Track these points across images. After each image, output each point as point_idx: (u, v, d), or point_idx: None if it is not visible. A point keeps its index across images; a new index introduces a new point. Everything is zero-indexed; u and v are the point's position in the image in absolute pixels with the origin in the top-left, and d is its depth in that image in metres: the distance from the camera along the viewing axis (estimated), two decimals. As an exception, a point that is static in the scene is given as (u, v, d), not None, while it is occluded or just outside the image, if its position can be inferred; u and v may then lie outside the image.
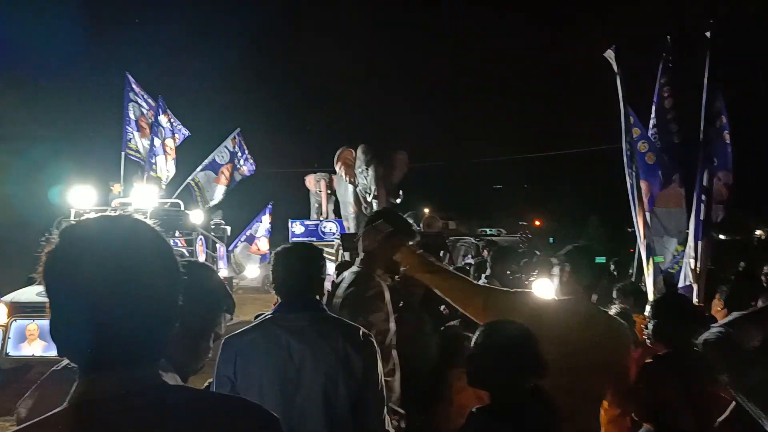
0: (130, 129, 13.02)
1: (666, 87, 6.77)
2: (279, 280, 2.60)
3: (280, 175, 26.45)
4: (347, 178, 14.72)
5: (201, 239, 12.02)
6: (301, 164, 22.17)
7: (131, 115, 13.09)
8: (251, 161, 14.99)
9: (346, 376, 2.36)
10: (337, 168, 15.15)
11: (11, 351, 8.35)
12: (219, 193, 14.34)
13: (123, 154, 12.76)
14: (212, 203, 14.18)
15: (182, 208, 12.29)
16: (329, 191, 18.19)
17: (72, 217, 10.45)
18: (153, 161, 13.16)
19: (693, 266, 5.06)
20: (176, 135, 14.13)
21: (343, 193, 15.43)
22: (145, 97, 13.48)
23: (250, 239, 15.50)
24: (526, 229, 32.88)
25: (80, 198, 10.60)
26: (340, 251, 11.12)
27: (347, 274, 3.30)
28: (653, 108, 6.77)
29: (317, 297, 2.60)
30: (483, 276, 5.86)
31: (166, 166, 13.57)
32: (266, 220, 15.91)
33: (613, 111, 5.55)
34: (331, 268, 11.35)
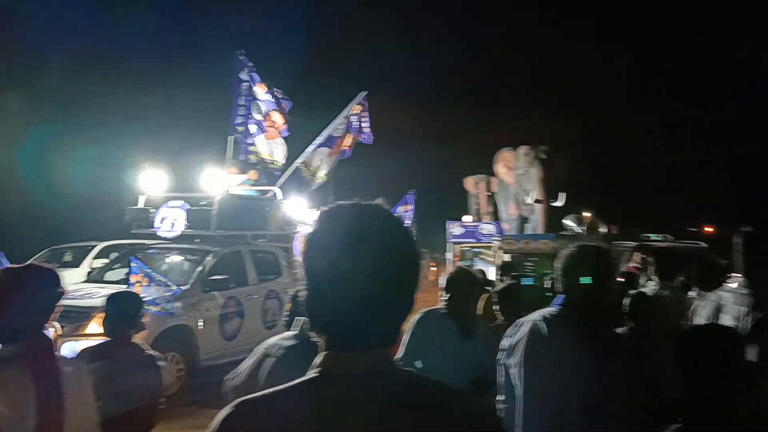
0: (241, 113, 11.83)
1: None
2: (571, 282, 2.63)
3: (441, 177, 26.75)
4: (507, 180, 14.68)
5: None
6: (460, 166, 22.29)
7: (243, 100, 11.85)
8: (369, 131, 12.97)
9: (605, 379, 2.45)
10: (496, 169, 15.15)
11: None
12: (334, 164, 12.50)
13: (230, 138, 11.69)
14: (327, 177, 12.39)
15: (280, 197, 10.99)
16: (488, 193, 18.20)
17: (141, 204, 9.81)
18: (250, 141, 11.81)
19: None
20: (283, 104, 12.25)
21: (503, 195, 15.39)
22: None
23: None
24: (696, 236, 30.85)
25: (151, 183, 9.86)
26: (499, 253, 11.10)
27: (728, 295, 3.15)
28: None
29: (601, 305, 2.63)
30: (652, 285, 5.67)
31: (270, 146, 11.90)
32: (402, 210, 14.73)
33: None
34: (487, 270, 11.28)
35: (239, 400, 1.23)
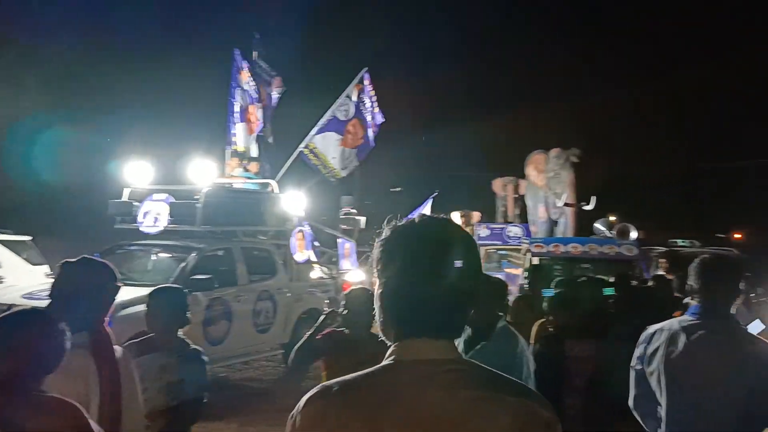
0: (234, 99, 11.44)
1: None
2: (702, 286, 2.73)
3: (468, 179, 26.72)
4: (537, 183, 14.71)
5: (303, 232, 9.70)
6: (488, 168, 22.26)
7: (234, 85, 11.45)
8: (378, 111, 11.95)
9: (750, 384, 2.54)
10: (527, 172, 15.17)
11: None
12: (351, 159, 11.65)
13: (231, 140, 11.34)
14: (344, 172, 11.64)
15: (275, 190, 10.40)
16: (516, 195, 18.21)
17: (126, 197, 9.08)
18: (232, 131, 11.38)
19: None
20: (267, 96, 11.83)
21: (532, 197, 15.41)
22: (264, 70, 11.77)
23: None
24: (724, 242, 30.49)
25: (136, 175, 9.15)
26: (528, 256, 11.16)
27: None
28: None
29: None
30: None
31: (247, 139, 11.47)
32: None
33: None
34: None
35: (322, 384, 1.39)
